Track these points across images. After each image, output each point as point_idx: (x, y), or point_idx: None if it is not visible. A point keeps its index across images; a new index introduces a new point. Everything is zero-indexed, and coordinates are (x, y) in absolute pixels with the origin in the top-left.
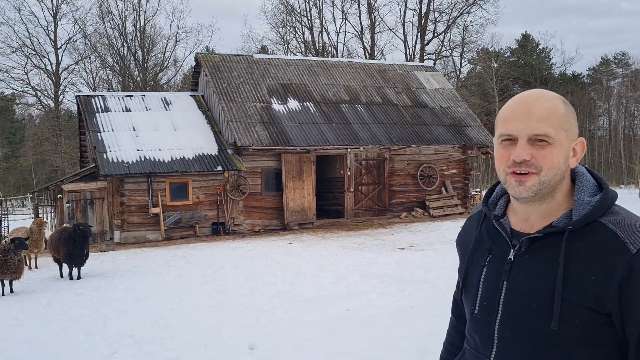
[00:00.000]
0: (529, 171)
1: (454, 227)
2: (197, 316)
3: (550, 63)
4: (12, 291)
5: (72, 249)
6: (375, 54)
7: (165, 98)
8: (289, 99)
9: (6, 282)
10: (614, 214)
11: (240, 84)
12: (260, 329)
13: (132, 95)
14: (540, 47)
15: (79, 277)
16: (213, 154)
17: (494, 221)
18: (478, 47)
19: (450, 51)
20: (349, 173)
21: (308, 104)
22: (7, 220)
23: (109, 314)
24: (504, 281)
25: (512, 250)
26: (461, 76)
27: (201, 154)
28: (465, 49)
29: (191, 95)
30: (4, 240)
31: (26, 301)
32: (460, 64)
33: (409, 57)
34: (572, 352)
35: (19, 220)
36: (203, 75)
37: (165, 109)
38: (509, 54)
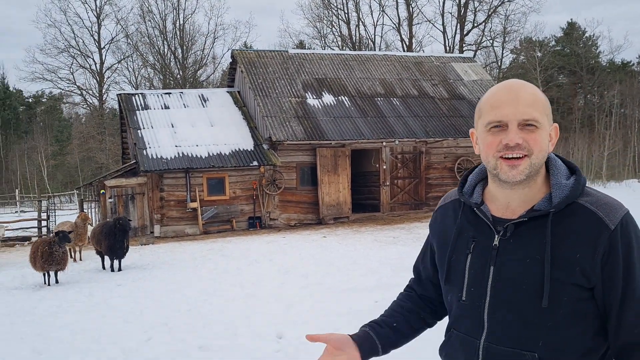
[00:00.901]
0: (522, 154)
1: None
2: (229, 306)
3: (598, 51)
4: (57, 281)
5: (112, 242)
6: (414, 46)
7: (202, 95)
8: (323, 93)
9: (52, 273)
10: (589, 195)
11: (276, 79)
12: (288, 319)
13: (170, 93)
14: (587, 35)
15: (119, 269)
16: (249, 149)
17: (475, 209)
18: (520, 37)
19: (491, 41)
20: (384, 167)
21: (343, 98)
22: (55, 215)
23: (146, 303)
24: (491, 266)
25: (496, 236)
26: (503, 67)
27: (237, 150)
28: (506, 38)
29: (227, 92)
30: (50, 234)
31: (70, 291)
32: (502, 54)
33: (448, 48)
34: (560, 327)
35: (66, 215)
36: (239, 72)
37: (203, 105)
38: (553, 42)
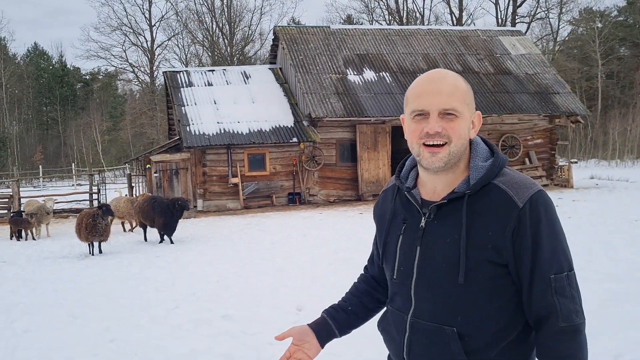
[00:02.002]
0: (441, 141)
1: None
2: (257, 279)
3: None
4: (100, 251)
5: (169, 221)
6: (464, 19)
7: (244, 72)
8: (364, 69)
9: (95, 244)
10: (504, 175)
11: (317, 55)
12: (311, 292)
13: (214, 70)
14: None
15: (171, 242)
16: (289, 126)
17: (406, 193)
18: (579, 7)
19: (546, 12)
20: None
21: (384, 74)
22: (105, 189)
23: (179, 274)
24: (417, 247)
25: (423, 218)
26: (558, 39)
27: (278, 126)
28: (563, 9)
29: (270, 69)
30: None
31: (111, 261)
32: (558, 25)
33: (500, 20)
34: (477, 303)
35: (115, 188)
36: (281, 48)
37: (245, 82)
38: (615, 13)
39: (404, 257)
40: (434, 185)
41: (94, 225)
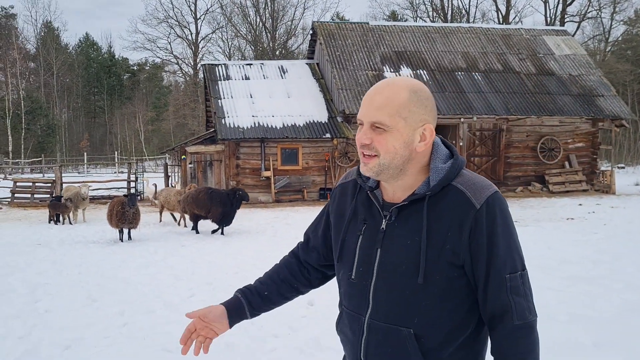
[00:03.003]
0: (371, 153)
1: (570, 204)
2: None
3: None
4: (129, 238)
5: (228, 211)
6: (511, 17)
7: (282, 66)
8: (401, 66)
9: (125, 231)
10: (462, 176)
11: (354, 52)
12: (323, 287)
13: (251, 64)
14: None
15: (216, 230)
16: (323, 122)
17: (368, 192)
18: (634, 7)
19: (597, 11)
20: (461, 144)
21: (421, 72)
22: (143, 177)
23: (200, 263)
24: (378, 249)
25: (384, 220)
26: (610, 39)
27: (311, 121)
28: (616, 8)
29: (307, 64)
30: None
31: (137, 247)
32: (610, 25)
33: (549, 19)
34: (434, 304)
35: (154, 178)
36: (318, 44)
37: (281, 77)
38: None
39: (364, 258)
40: (392, 189)
41: (122, 212)
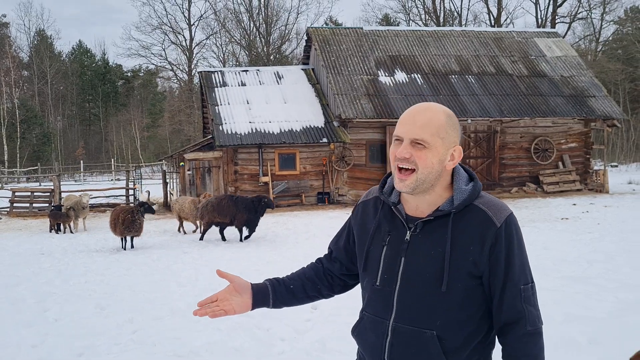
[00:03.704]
0: (410, 167)
1: (564, 204)
2: (277, 276)
3: None
4: (132, 246)
5: (253, 217)
6: (503, 19)
7: (277, 72)
8: (396, 70)
9: (128, 239)
10: (482, 197)
11: (349, 57)
12: None
13: (247, 70)
14: None
15: (246, 237)
16: (319, 126)
17: (392, 207)
18: (624, 6)
19: (588, 12)
20: None
21: (415, 76)
22: (141, 184)
23: (203, 270)
24: (402, 258)
25: (408, 232)
26: (600, 39)
27: (308, 126)
28: (606, 9)
29: (302, 69)
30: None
31: (140, 256)
32: (601, 25)
33: (540, 20)
34: (454, 310)
35: (152, 185)
36: (313, 50)
37: (277, 82)
38: None
39: (388, 266)
40: (415, 204)
41: (132, 221)
